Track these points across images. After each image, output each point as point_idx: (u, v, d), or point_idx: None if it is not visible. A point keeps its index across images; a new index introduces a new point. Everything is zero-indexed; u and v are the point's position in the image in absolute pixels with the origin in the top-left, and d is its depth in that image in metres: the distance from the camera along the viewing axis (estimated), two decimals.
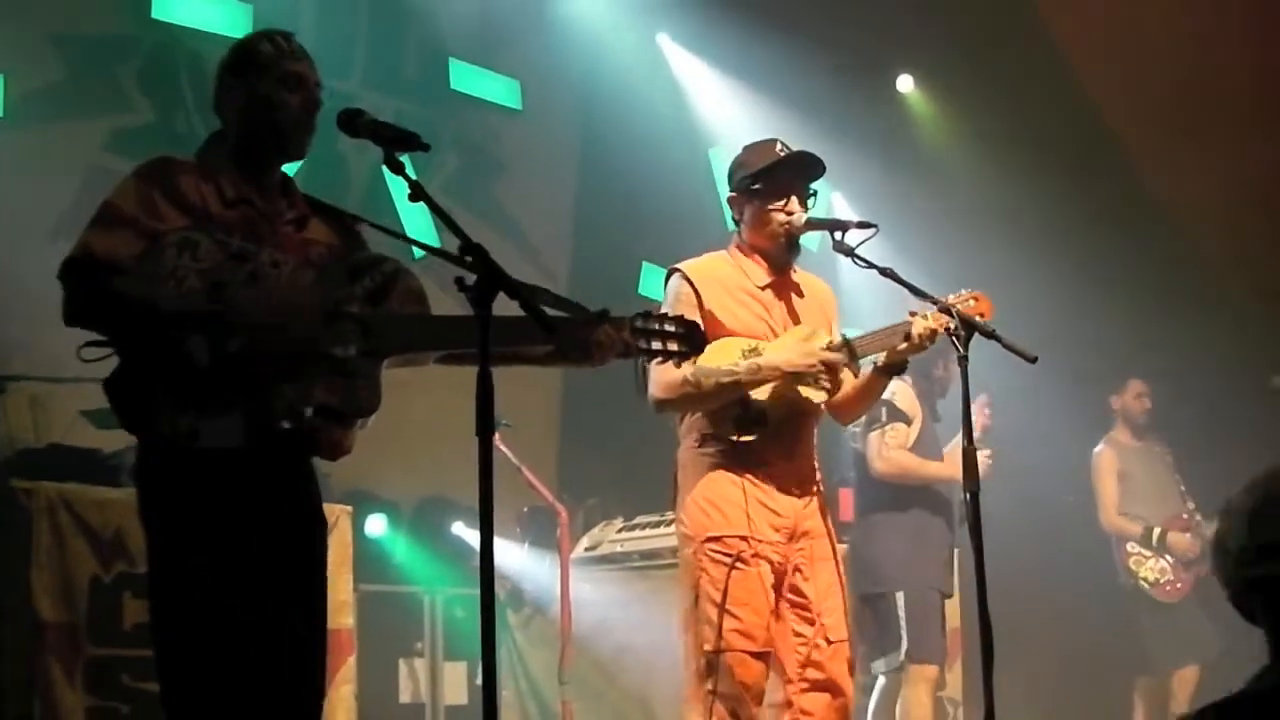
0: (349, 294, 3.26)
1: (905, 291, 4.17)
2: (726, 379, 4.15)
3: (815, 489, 4.38)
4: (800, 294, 4.47)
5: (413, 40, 8.77)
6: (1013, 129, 9.19)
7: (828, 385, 4.26)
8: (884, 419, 6.21)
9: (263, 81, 3.35)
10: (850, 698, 4.28)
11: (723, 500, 4.20)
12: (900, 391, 6.20)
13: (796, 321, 4.40)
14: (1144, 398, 8.00)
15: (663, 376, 4.17)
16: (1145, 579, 7.72)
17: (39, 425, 6.02)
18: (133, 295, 3.04)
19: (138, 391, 3.09)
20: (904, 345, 4.27)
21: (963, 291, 4.34)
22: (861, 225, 4.25)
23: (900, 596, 6.11)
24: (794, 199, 4.36)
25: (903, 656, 6.07)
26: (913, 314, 4.29)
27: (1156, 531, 7.71)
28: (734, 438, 4.23)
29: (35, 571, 4.76)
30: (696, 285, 4.30)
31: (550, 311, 3.03)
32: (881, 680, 6.29)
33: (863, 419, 5.87)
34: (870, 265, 4.18)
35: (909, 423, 6.27)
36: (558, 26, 9.12)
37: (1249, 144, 8.44)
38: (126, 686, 4.84)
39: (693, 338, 3.60)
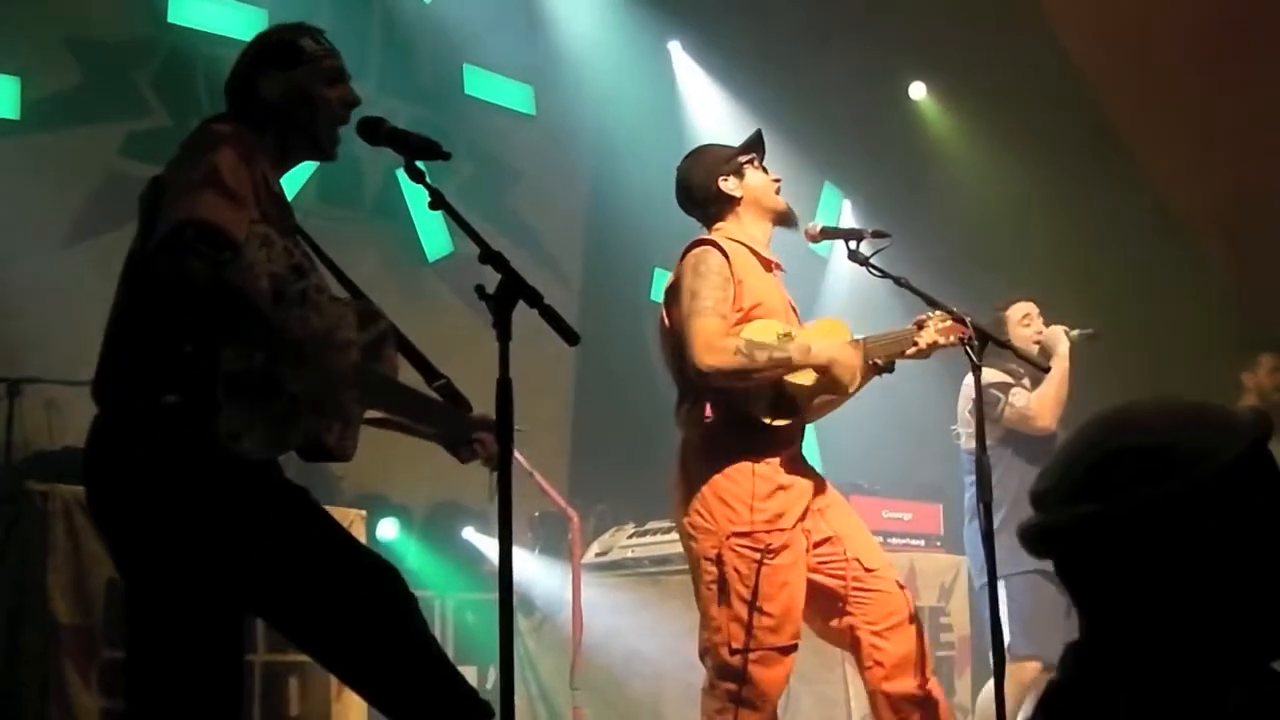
0: (356, 340, 3.20)
1: (919, 300, 4.19)
2: (779, 355, 4.05)
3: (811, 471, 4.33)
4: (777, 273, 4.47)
5: (427, 46, 8.80)
6: (1025, 137, 9.19)
7: (852, 386, 4.22)
8: (999, 396, 5.95)
9: (305, 75, 3.27)
10: (910, 604, 4.21)
11: (746, 493, 4.09)
12: (992, 374, 5.94)
13: (792, 304, 4.41)
14: (1278, 372, 7.48)
15: (715, 342, 4.02)
16: None
17: (54, 428, 6.04)
18: (229, 280, 2.81)
19: (190, 379, 2.93)
20: (912, 351, 4.28)
21: (952, 307, 4.36)
22: (876, 235, 4.26)
23: (1002, 584, 5.86)
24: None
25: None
26: (920, 322, 4.30)
27: None
28: (768, 420, 4.14)
29: (51, 574, 4.77)
30: (729, 255, 4.20)
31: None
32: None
33: (969, 418, 5.72)
34: (885, 275, 4.20)
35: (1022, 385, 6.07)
36: (572, 32, 9.14)
37: (1259, 157, 8.45)
38: None
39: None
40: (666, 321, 4.27)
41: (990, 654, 4.05)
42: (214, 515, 3.01)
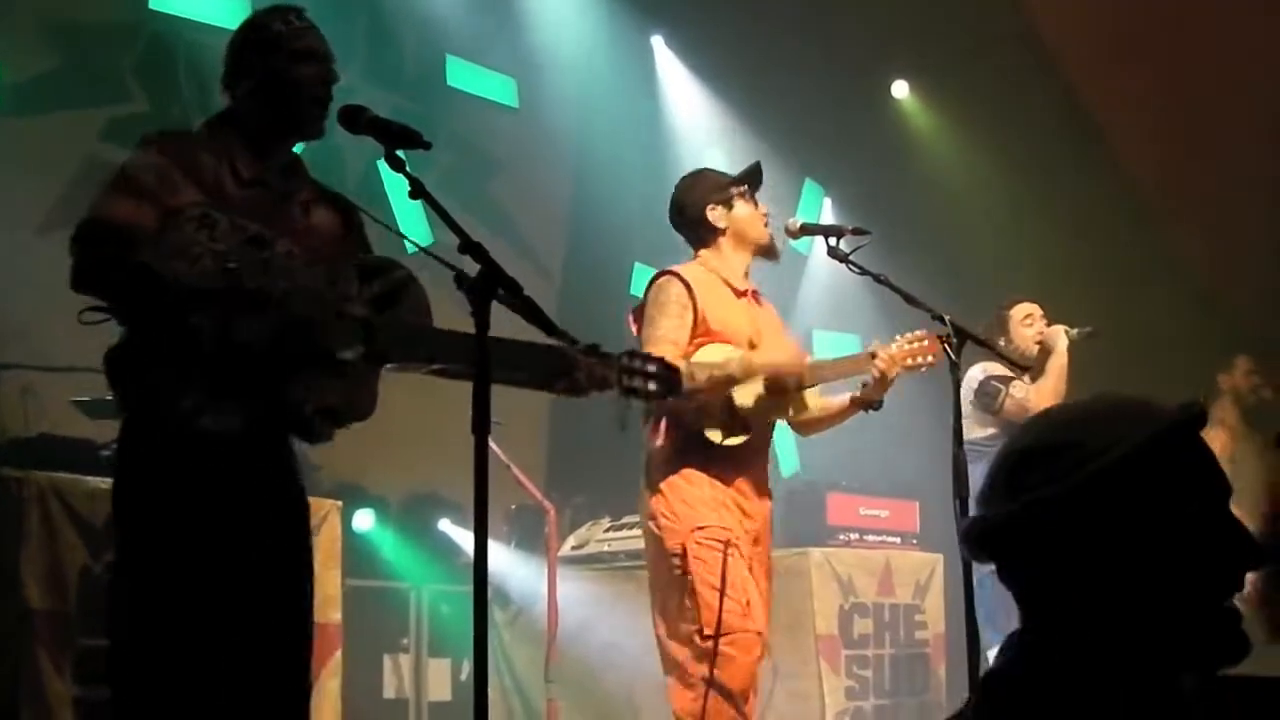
0: (358, 295, 3.25)
1: (899, 297, 4.20)
2: (719, 372, 4.29)
3: (767, 496, 4.60)
4: (761, 305, 4.69)
5: (410, 36, 8.78)
6: (1006, 135, 9.21)
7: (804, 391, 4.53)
8: (998, 388, 5.98)
9: (276, 58, 3.34)
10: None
11: (702, 498, 4.36)
12: (992, 367, 6.03)
13: (770, 329, 4.59)
14: (1254, 374, 7.58)
15: None
16: None
17: (30, 414, 6.01)
18: (150, 267, 2.97)
19: (140, 366, 3.06)
20: (874, 381, 4.52)
21: (918, 330, 4.52)
22: (856, 231, 4.29)
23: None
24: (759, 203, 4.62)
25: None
26: (872, 352, 4.52)
27: None
28: (718, 439, 4.37)
29: (25, 561, 4.74)
30: (691, 284, 4.41)
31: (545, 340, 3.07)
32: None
33: (975, 412, 5.94)
34: (864, 271, 4.22)
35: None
36: (555, 25, 9.13)
37: (1236, 142, 8.47)
38: None
39: (670, 380, 3.65)
40: (634, 339, 4.55)
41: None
42: (153, 502, 3.11)
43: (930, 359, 4.48)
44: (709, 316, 4.42)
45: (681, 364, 4.15)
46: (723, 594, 4.20)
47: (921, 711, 6.91)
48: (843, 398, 4.67)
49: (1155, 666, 1.64)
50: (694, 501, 4.36)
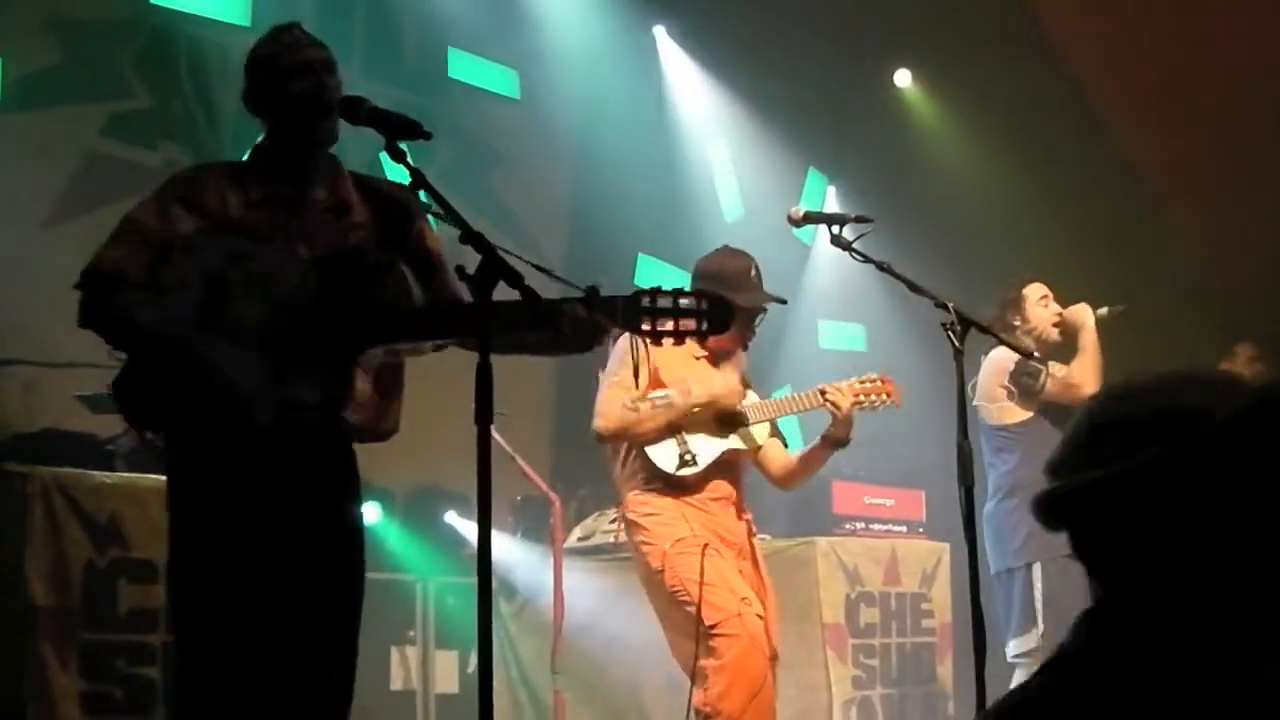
0: (344, 285, 3.27)
1: (903, 285, 4.19)
2: (660, 403, 4.61)
3: (747, 518, 4.89)
4: (719, 367, 4.92)
5: (412, 29, 8.76)
6: (1009, 122, 9.19)
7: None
8: (1039, 369, 5.87)
9: (272, 78, 3.43)
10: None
11: (675, 516, 4.67)
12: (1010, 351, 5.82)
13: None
14: (1256, 361, 7.53)
15: (604, 407, 4.64)
16: None
17: (33, 409, 6.01)
18: (134, 310, 3.27)
19: (140, 392, 3.28)
20: (834, 419, 4.82)
21: (872, 374, 4.87)
22: (859, 220, 4.27)
23: (1037, 569, 5.79)
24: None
25: (1037, 641, 5.75)
26: (822, 390, 4.78)
27: None
28: (672, 471, 4.68)
29: (29, 556, 4.74)
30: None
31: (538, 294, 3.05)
32: (1019, 672, 5.83)
33: (1009, 392, 5.96)
34: (867, 260, 4.21)
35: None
36: (556, 17, 9.11)
37: (1239, 132, 8.46)
38: (121, 671, 4.83)
39: (717, 311, 3.20)
40: None
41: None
42: (191, 512, 3.31)
43: (886, 398, 4.80)
44: (664, 375, 4.70)
45: (626, 399, 4.57)
46: (702, 584, 4.45)
47: (928, 701, 6.90)
48: (813, 443, 5.00)
49: (1237, 650, 1.57)
50: (668, 519, 4.67)
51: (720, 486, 4.79)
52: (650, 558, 4.68)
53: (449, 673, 7.70)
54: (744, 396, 4.84)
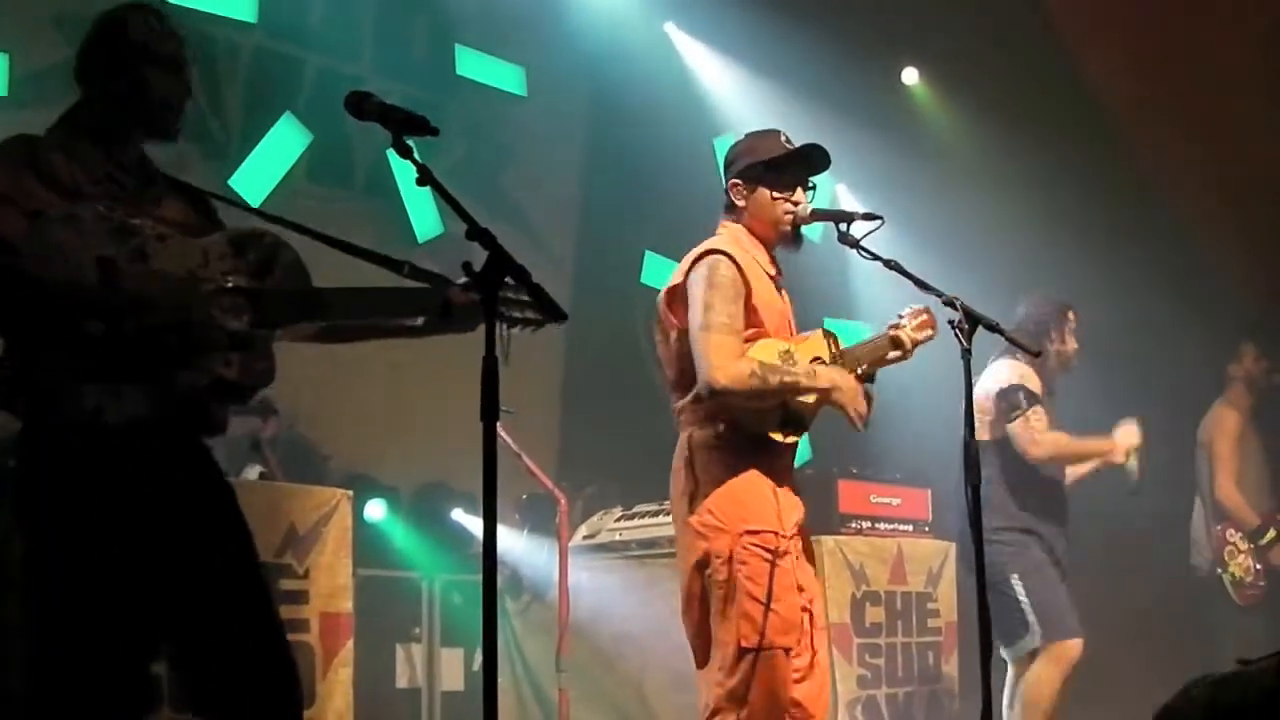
0: (235, 267, 3.22)
1: (911, 283, 4.18)
2: (789, 379, 4.08)
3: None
4: (782, 292, 4.44)
5: (420, 26, 8.78)
6: (1016, 119, 9.18)
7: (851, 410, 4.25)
8: (1024, 404, 5.94)
9: (137, 62, 3.30)
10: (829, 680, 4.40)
11: (755, 495, 4.12)
12: (1028, 374, 5.99)
13: (788, 322, 4.38)
14: (1263, 360, 7.56)
15: (730, 367, 4.01)
16: (1233, 574, 7.41)
17: None
18: (22, 272, 2.95)
19: (30, 373, 3.04)
20: (895, 354, 4.36)
21: (915, 305, 4.44)
22: (867, 217, 4.24)
23: (1016, 580, 5.86)
24: (800, 190, 4.35)
25: (1038, 642, 5.82)
26: (894, 326, 4.40)
27: (1272, 533, 7.35)
28: (777, 437, 4.17)
29: None
30: (742, 267, 4.17)
31: (404, 283, 3.09)
32: (1010, 671, 6.01)
33: (992, 409, 5.93)
34: (875, 257, 4.18)
35: (1045, 405, 6.02)
36: (564, 14, 9.12)
37: (1252, 135, 8.44)
38: None
39: (552, 309, 3.23)
40: (671, 320, 4.22)
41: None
42: (62, 503, 3.09)
43: (930, 332, 4.43)
44: (756, 303, 4.17)
45: (754, 363, 4.05)
46: (768, 609, 4.01)
47: (933, 700, 6.89)
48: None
49: None
50: (747, 502, 4.10)
51: (793, 456, 4.33)
52: (714, 537, 4.08)
53: (454, 670, 7.71)
54: (860, 394, 4.27)
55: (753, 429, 4.14)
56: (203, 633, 3.17)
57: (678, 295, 4.18)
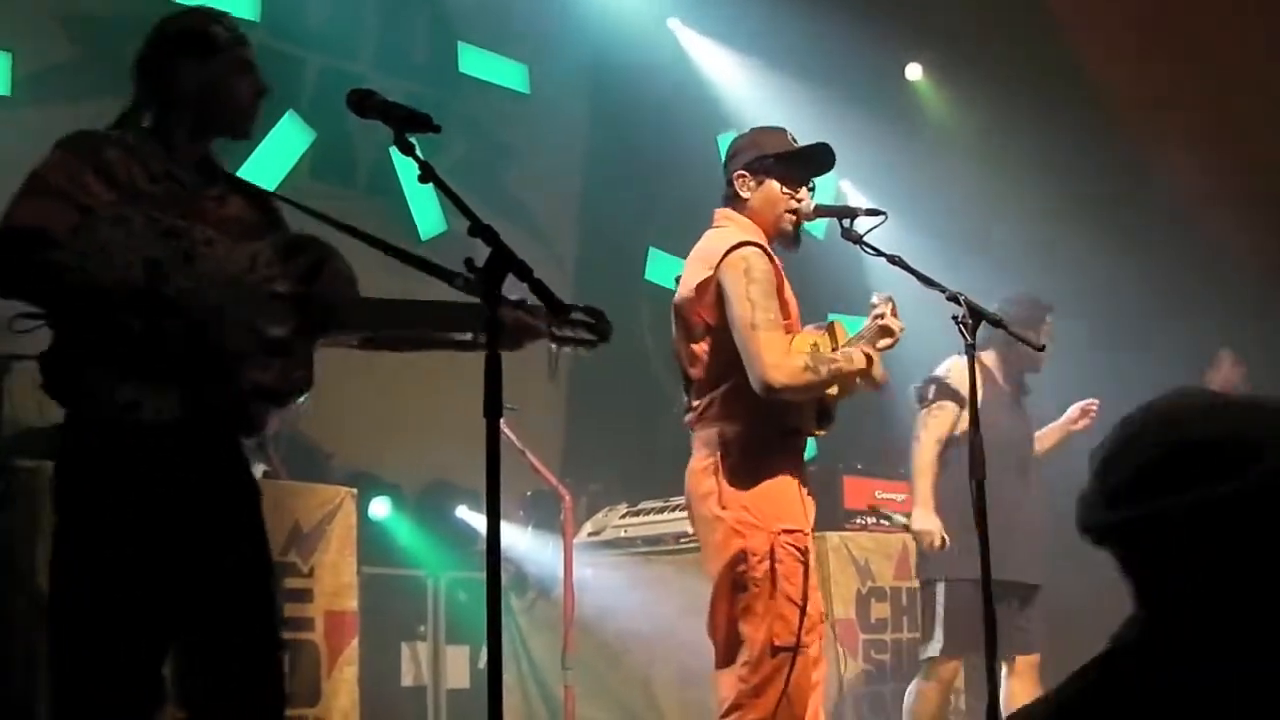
0: (282, 273, 3.23)
1: (914, 279, 4.17)
2: (834, 366, 4.11)
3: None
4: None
5: (422, 23, 8.77)
6: (1019, 116, 9.18)
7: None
8: (931, 396, 5.86)
9: (215, 65, 3.35)
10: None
11: (787, 495, 4.12)
12: (954, 368, 5.80)
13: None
14: (1240, 366, 7.49)
15: (785, 364, 4.00)
16: None
17: (44, 404, 5.98)
18: (68, 268, 2.98)
19: (74, 365, 3.08)
20: (886, 342, 4.30)
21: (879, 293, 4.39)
22: (870, 212, 4.25)
23: (941, 587, 5.75)
24: (804, 188, 4.35)
25: (936, 651, 5.74)
26: (878, 316, 4.31)
27: None
28: (815, 432, 4.23)
29: (39, 551, 4.74)
30: (774, 262, 4.17)
31: (459, 299, 3.05)
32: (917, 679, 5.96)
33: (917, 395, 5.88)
34: (879, 253, 4.18)
35: (961, 404, 5.80)
36: (567, 11, 9.12)
37: (1257, 135, 8.44)
38: None
39: (602, 326, 3.50)
40: (700, 316, 4.18)
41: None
42: (95, 498, 3.11)
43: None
44: (785, 296, 4.19)
45: (805, 357, 4.06)
46: (803, 612, 4.01)
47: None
48: None
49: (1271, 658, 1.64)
50: (781, 501, 4.10)
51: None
52: (751, 534, 4.05)
53: (460, 668, 7.70)
54: (880, 364, 4.28)
55: (795, 425, 4.17)
56: (199, 633, 3.18)
57: (709, 290, 4.14)
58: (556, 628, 6.51)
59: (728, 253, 4.11)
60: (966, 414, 5.71)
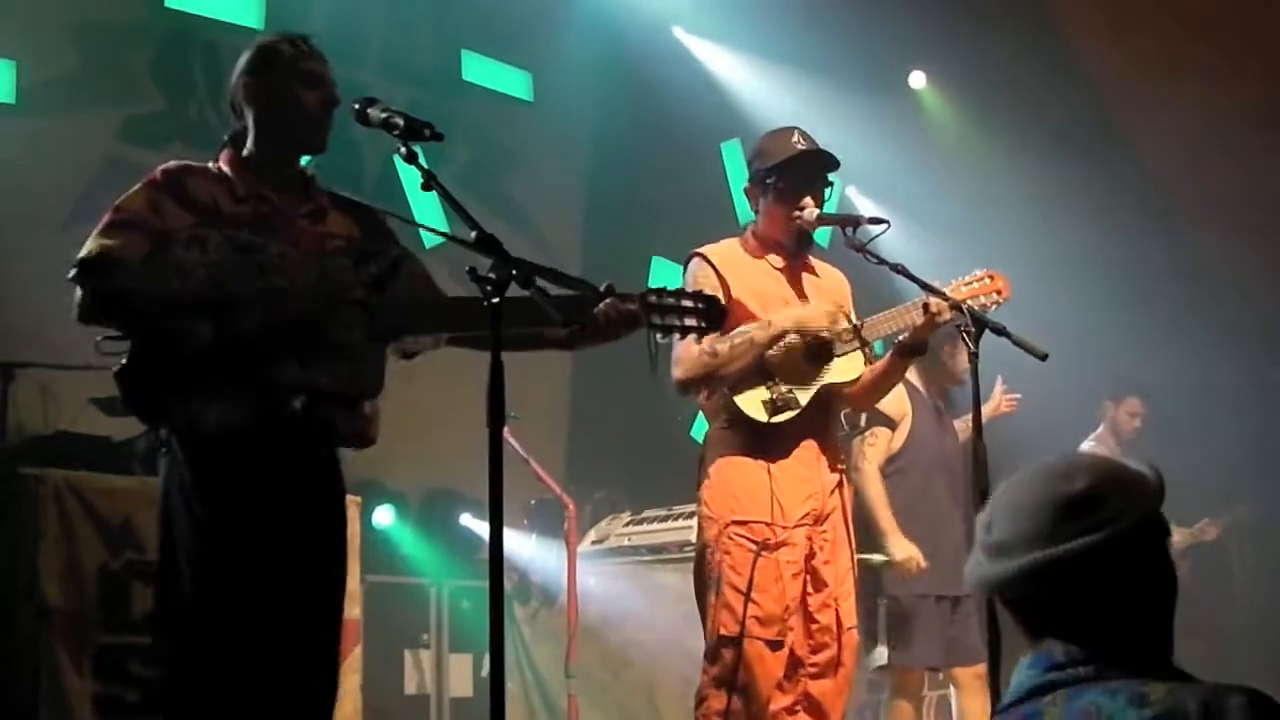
0: (353, 280, 3.30)
1: (918, 288, 4.17)
2: (739, 339, 4.17)
3: (839, 469, 4.41)
4: (815, 275, 4.53)
5: (426, 31, 8.77)
6: (1024, 124, 9.17)
7: (851, 344, 4.29)
8: (863, 424, 5.84)
9: (282, 80, 3.44)
10: (851, 685, 4.37)
11: (745, 484, 4.21)
12: (899, 395, 5.76)
13: (819, 293, 4.46)
14: (1137, 418, 7.61)
15: (682, 354, 4.20)
16: None
17: (48, 412, 6.02)
18: (139, 291, 3.15)
19: (147, 381, 3.18)
20: (922, 320, 4.26)
21: (977, 271, 4.38)
22: (874, 221, 4.25)
23: (883, 601, 5.76)
24: (808, 196, 4.37)
25: (884, 660, 5.73)
26: (926, 306, 4.27)
27: None
28: (766, 419, 4.22)
29: (43, 558, 4.76)
30: (719, 269, 4.31)
31: (554, 290, 3.08)
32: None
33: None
34: (881, 261, 4.18)
35: (893, 426, 5.89)
36: (570, 19, 9.11)
37: (1262, 137, 8.43)
38: (134, 674, 4.84)
39: (711, 311, 3.50)
40: None
41: None
42: (184, 508, 3.25)
43: (999, 296, 4.31)
44: (736, 288, 4.26)
45: (701, 347, 4.17)
46: (747, 598, 4.07)
47: (943, 706, 6.88)
48: (887, 353, 4.44)
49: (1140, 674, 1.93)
50: (737, 491, 4.20)
51: (812, 436, 4.29)
52: (705, 528, 4.23)
53: (463, 676, 7.70)
54: (837, 319, 4.30)
55: (746, 416, 4.22)
56: (262, 641, 3.25)
57: None
58: (560, 636, 6.51)
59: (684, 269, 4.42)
60: (896, 436, 5.84)
